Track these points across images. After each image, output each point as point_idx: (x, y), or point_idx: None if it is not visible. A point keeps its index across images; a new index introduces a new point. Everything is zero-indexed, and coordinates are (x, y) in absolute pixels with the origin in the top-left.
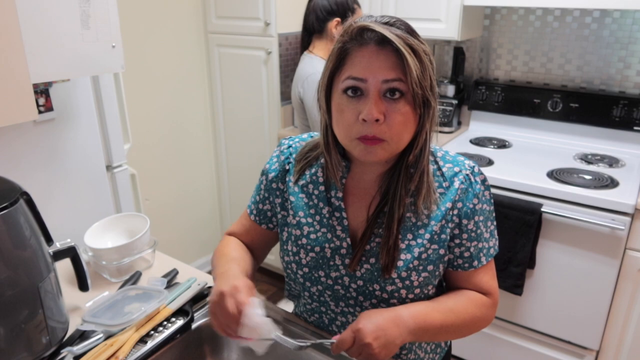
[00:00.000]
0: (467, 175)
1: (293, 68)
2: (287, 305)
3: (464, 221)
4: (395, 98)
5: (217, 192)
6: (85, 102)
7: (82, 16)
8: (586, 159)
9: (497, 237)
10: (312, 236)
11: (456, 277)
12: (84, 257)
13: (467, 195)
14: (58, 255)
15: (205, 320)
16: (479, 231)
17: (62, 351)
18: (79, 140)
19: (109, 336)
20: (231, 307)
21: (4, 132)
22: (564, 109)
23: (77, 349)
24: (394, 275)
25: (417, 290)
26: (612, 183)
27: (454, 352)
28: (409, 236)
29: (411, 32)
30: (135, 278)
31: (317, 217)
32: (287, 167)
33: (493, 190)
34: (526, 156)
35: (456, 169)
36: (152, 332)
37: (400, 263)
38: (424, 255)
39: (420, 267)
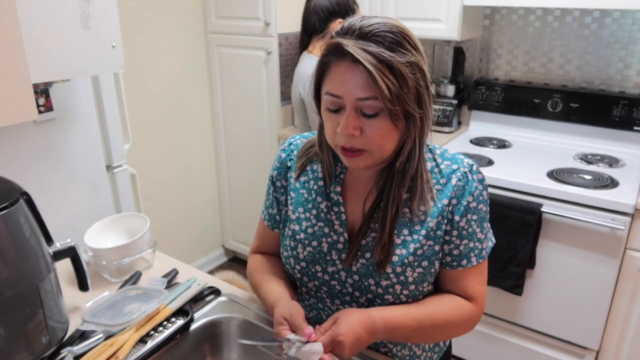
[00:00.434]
0: (465, 172)
1: (293, 68)
2: None
3: (456, 218)
4: (370, 115)
5: (217, 191)
6: (85, 102)
7: (82, 16)
8: (586, 159)
9: (492, 239)
10: (310, 231)
11: (444, 275)
12: (84, 257)
13: (463, 193)
14: (58, 255)
15: (205, 320)
16: (470, 230)
17: (62, 351)
18: (79, 140)
19: (109, 336)
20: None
21: (4, 132)
22: (564, 109)
23: (77, 349)
24: (389, 270)
25: (412, 287)
26: (612, 183)
27: (453, 351)
28: (405, 232)
29: (395, 43)
30: (135, 278)
31: (314, 212)
32: (289, 164)
33: (493, 190)
34: (526, 156)
35: (454, 167)
36: (152, 332)
37: (395, 258)
38: (419, 252)
39: (415, 263)
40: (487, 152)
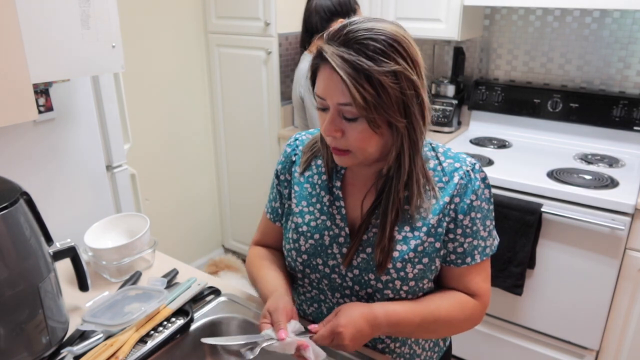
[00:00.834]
0: (468, 171)
1: (293, 68)
2: None
3: (460, 216)
4: (350, 119)
5: (217, 191)
6: (85, 102)
7: (82, 16)
8: (586, 159)
9: (496, 237)
10: (312, 224)
11: (448, 273)
12: (84, 257)
13: (466, 191)
14: (58, 255)
15: (205, 320)
16: (474, 228)
17: (62, 351)
18: (79, 140)
19: (109, 336)
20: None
21: (4, 132)
22: (564, 109)
23: (77, 349)
24: (389, 265)
25: (412, 283)
26: (612, 183)
27: (453, 351)
28: (407, 228)
29: (378, 51)
30: (135, 278)
31: (318, 206)
32: (294, 159)
33: (493, 190)
34: (526, 156)
35: (457, 165)
36: (152, 332)
37: (396, 254)
38: (420, 248)
39: (416, 260)
40: (487, 152)
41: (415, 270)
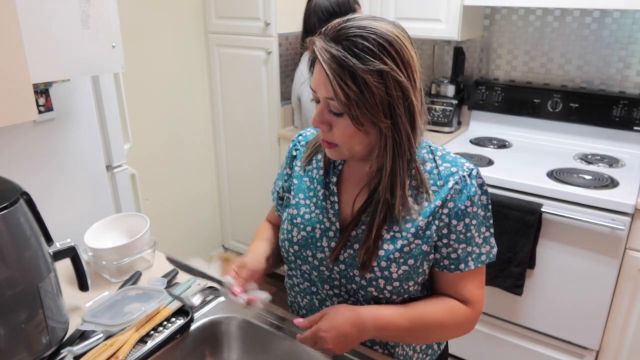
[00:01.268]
0: (464, 176)
1: (293, 68)
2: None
3: (454, 221)
4: (336, 113)
5: (217, 191)
6: (85, 102)
7: (82, 16)
8: (586, 159)
9: (493, 245)
10: (307, 216)
11: (441, 278)
12: (84, 257)
13: (460, 197)
14: (58, 255)
15: (205, 320)
16: (469, 234)
17: (62, 351)
18: (79, 140)
19: (109, 336)
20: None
21: (4, 132)
22: (564, 109)
23: (77, 349)
24: (374, 264)
25: (396, 284)
26: (612, 183)
27: (453, 351)
28: (395, 228)
29: (366, 50)
30: (135, 278)
31: (314, 199)
32: (295, 154)
33: (493, 190)
34: (526, 156)
35: (453, 169)
36: (152, 332)
37: (381, 252)
38: (406, 249)
39: (401, 260)
40: (487, 152)
41: (400, 271)
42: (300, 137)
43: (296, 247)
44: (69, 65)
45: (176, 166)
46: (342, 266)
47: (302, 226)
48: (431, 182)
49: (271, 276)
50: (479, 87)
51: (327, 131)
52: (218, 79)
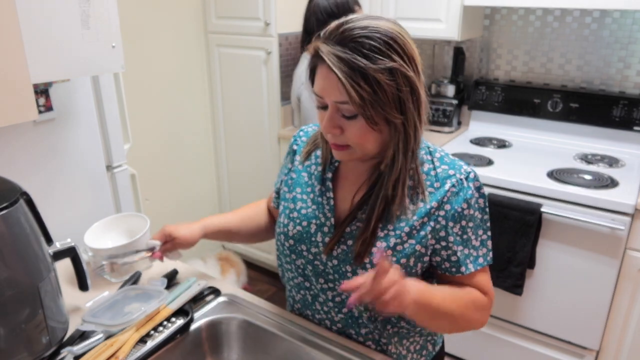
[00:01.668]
0: (461, 179)
1: (293, 68)
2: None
3: (450, 224)
4: (349, 116)
5: (217, 191)
6: (85, 102)
7: (82, 16)
8: (586, 159)
9: (490, 248)
10: (303, 211)
11: (446, 280)
12: (84, 257)
13: (457, 199)
14: (58, 255)
15: (205, 320)
16: (465, 236)
17: (62, 351)
18: (79, 140)
19: (109, 336)
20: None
21: (4, 132)
22: (564, 109)
23: (77, 349)
24: (366, 260)
25: None
26: (612, 183)
27: (453, 351)
28: (389, 226)
29: (374, 49)
30: (135, 278)
31: (311, 195)
32: (295, 148)
33: (493, 190)
34: (526, 156)
35: (450, 172)
36: (152, 332)
37: (374, 250)
38: (398, 247)
39: (393, 258)
40: (487, 152)
41: None
42: (301, 133)
43: (291, 241)
44: (69, 65)
45: (176, 166)
46: (335, 261)
47: (298, 220)
48: (428, 183)
49: (270, 275)
50: (479, 87)
51: (339, 135)
52: (218, 79)
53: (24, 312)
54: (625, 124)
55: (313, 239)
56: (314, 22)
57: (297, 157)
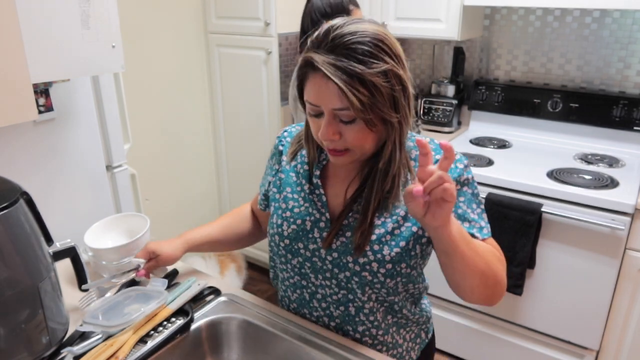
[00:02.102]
0: None
1: (293, 68)
2: None
3: None
4: (347, 121)
5: (217, 191)
6: (85, 102)
7: (82, 16)
8: (586, 159)
9: (487, 222)
10: (296, 210)
11: None
12: (84, 257)
13: None
14: (58, 255)
15: (205, 320)
16: (460, 211)
17: (62, 351)
18: (79, 140)
19: (109, 336)
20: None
21: (4, 132)
22: (564, 109)
23: (77, 349)
24: (367, 248)
25: (389, 266)
26: (612, 183)
27: (453, 351)
28: (385, 214)
29: (367, 54)
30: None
31: (302, 194)
32: (281, 149)
33: (493, 190)
34: (526, 156)
35: (437, 156)
36: (152, 332)
37: (373, 237)
38: (396, 231)
39: (393, 242)
40: (487, 152)
41: (393, 253)
42: (285, 133)
43: (287, 241)
44: (69, 65)
45: (176, 166)
46: (335, 254)
47: (292, 220)
48: (416, 169)
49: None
50: (479, 87)
51: (337, 140)
52: (218, 79)
53: (24, 312)
54: (625, 124)
55: (310, 235)
56: (308, 22)
57: (284, 158)
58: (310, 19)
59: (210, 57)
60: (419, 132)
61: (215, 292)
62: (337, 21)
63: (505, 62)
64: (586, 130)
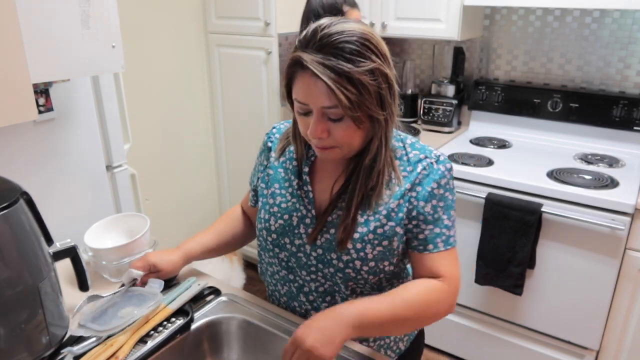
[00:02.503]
0: (431, 162)
1: None
2: None
3: (421, 203)
4: (335, 119)
5: (217, 191)
6: (85, 102)
7: (82, 16)
8: (586, 159)
9: (455, 231)
10: (283, 205)
11: (414, 259)
12: (84, 257)
13: (427, 180)
14: (58, 255)
15: (205, 320)
16: (436, 215)
17: (62, 351)
18: (79, 140)
19: (109, 336)
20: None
21: (4, 132)
22: (564, 109)
23: (77, 349)
24: (350, 246)
25: (372, 264)
26: (612, 183)
27: (453, 351)
28: (369, 212)
29: (354, 52)
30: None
31: (290, 189)
32: (269, 145)
33: (493, 190)
34: (526, 156)
35: (421, 156)
36: (152, 332)
37: (356, 235)
38: (379, 230)
39: (375, 241)
40: (487, 152)
41: (375, 252)
42: (274, 130)
43: (274, 236)
44: (69, 65)
45: (176, 166)
46: (320, 250)
47: (279, 215)
48: (401, 168)
49: None
50: (479, 87)
51: (327, 138)
52: (218, 79)
53: (24, 312)
54: (625, 124)
55: (296, 231)
56: (305, 23)
57: (272, 154)
58: (307, 20)
59: (210, 57)
60: (417, 133)
61: (215, 292)
62: (324, 21)
63: (505, 62)
64: (586, 130)
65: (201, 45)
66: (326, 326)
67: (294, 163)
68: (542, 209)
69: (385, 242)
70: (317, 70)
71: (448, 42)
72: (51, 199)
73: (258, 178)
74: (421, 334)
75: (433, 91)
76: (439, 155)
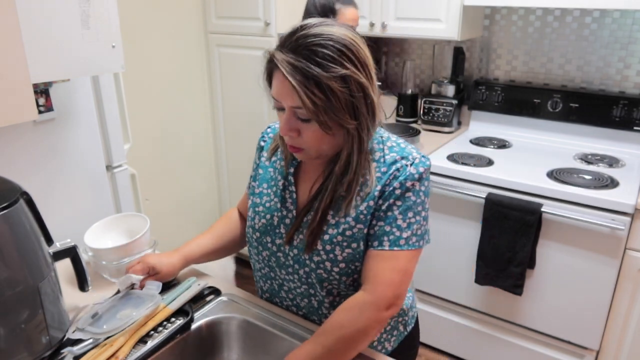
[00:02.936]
0: (405, 165)
1: None
2: None
3: (380, 201)
4: (304, 119)
5: (217, 191)
6: (85, 102)
7: (82, 16)
8: (586, 159)
9: (420, 234)
10: (267, 204)
11: (367, 255)
12: (84, 257)
13: (394, 181)
14: (58, 255)
15: (205, 320)
16: (389, 213)
17: (62, 351)
18: (79, 140)
19: (109, 336)
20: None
21: (4, 132)
22: (564, 109)
23: (77, 349)
24: (320, 247)
25: (342, 265)
26: (612, 183)
27: (452, 351)
28: (340, 214)
29: (327, 57)
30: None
31: (274, 189)
32: (262, 144)
33: (493, 191)
34: (526, 156)
35: (397, 157)
36: (152, 332)
37: (326, 237)
38: (348, 232)
39: (345, 243)
40: (487, 152)
41: (344, 254)
42: (268, 129)
43: (258, 234)
44: (69, 65)
45: (176, 166)
46: (295, 251)
47: (262, 214)
48: (377, 170)
49: None
50: (479, 87)
51: (295, 137)
52: (218, 79)
53: (24, 312)
54: (625, 124)
55: (277, 230)
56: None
57: (264, 154)
58: (303, 19)
59: (210, 57)
60: (417, 133)
61: (215, 292)
62: (309, 21)
63: (505, 62)
64: (586, 130)
65: (201, 45)
66: None
67: (282, 163)
68: (542, 209)
69: (354, 245)
70: (285, 69)
71: (448, 42)
72: (51, 199)
73: (251, 176)
74: (413, 333)
75: (433, 91)
76: (416, 158)
